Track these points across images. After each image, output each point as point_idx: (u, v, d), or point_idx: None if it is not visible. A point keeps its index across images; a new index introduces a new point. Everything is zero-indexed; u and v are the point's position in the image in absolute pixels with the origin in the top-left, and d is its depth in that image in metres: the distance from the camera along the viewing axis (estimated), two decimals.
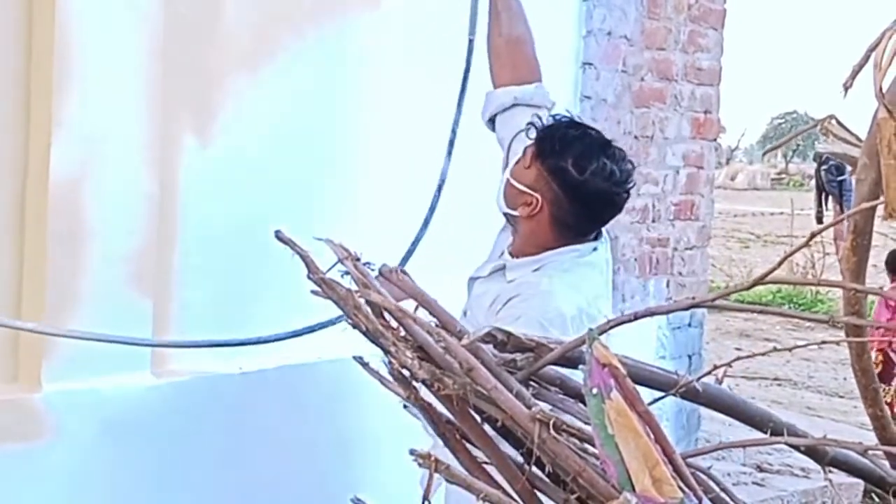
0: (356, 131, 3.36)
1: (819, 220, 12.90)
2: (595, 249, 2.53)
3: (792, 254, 1.59)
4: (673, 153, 4.67)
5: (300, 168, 3.20)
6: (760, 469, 5.36)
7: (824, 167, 12.75)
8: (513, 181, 2.52)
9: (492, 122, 2.81)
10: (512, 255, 2.56)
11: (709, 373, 1.76)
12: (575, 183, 2.43)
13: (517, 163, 2.54)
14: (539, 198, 2.46)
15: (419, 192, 3.54)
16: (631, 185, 2.51)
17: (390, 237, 2.90)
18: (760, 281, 1.53)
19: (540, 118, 2.57)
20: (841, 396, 7.98)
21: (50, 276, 2.65)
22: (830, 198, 12.85)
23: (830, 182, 12.50)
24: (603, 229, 2.58)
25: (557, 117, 2.58)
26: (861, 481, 2.01)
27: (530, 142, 2.52)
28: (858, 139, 2.28)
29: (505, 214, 2.58)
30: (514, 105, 2.75)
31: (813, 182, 17.24)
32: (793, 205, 14.92)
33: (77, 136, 2.66)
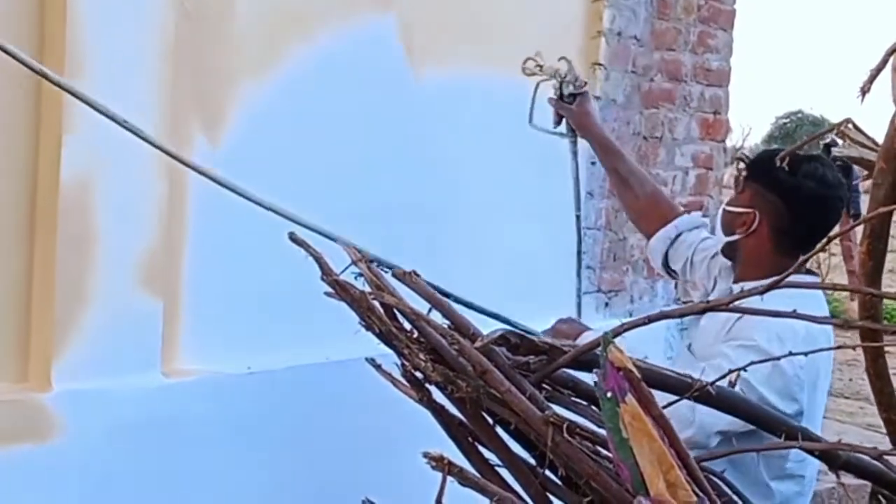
0: (365, 132, 3.35)
1: None
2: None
3: (809, 257, 1.59)
4: (682, 154, 4.66)
5: (309, 169, 3.20)
6: None
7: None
8: (728, 207, 2.65)
9: (665, 266, 2.98)
10: (736, 283, 2.65)
11: (723, 377, 1.76)
12: (789, 186, 2.52)
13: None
14: (755, 213, 2.56)
15: (417, 191, 3.55)
16: (843, 191, 2.60)
17: (398, 242, 2.90)
18: (776, 285, 1.52)
19: (744, 154, 2.77)
20: (847, 397, 7.95)
21: (59, 277, 2.64)
22: None
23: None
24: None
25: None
26: (868, 483, 2.02)
27: (738, 173, 2.66)
28: (875, 143, 2.29)
29: (724, 251, 2.69)
30: (677, 236, 2.93)
31: None
32: None
33: (87, 138, 2.65)
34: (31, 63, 1.67)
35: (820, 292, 2.62)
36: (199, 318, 2.97)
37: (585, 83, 3.03)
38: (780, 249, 2.54)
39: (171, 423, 2.84)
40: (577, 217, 3.16)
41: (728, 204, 2.66)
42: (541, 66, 3.03)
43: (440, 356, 1.77)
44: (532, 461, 1.79)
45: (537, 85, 3.07)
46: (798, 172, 2.51)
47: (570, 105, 3.01)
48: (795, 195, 2.52)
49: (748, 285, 2.52)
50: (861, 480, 2.03)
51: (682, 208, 3.07)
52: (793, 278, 2.45)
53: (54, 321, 2.64)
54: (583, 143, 3.14)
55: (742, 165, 2.66)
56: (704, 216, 2.95)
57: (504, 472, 1.83)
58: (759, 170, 2.59)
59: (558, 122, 3.08)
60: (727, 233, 2.64)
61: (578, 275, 3.21)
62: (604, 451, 1.67)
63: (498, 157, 3.76)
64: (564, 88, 3.01)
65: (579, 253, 3.19)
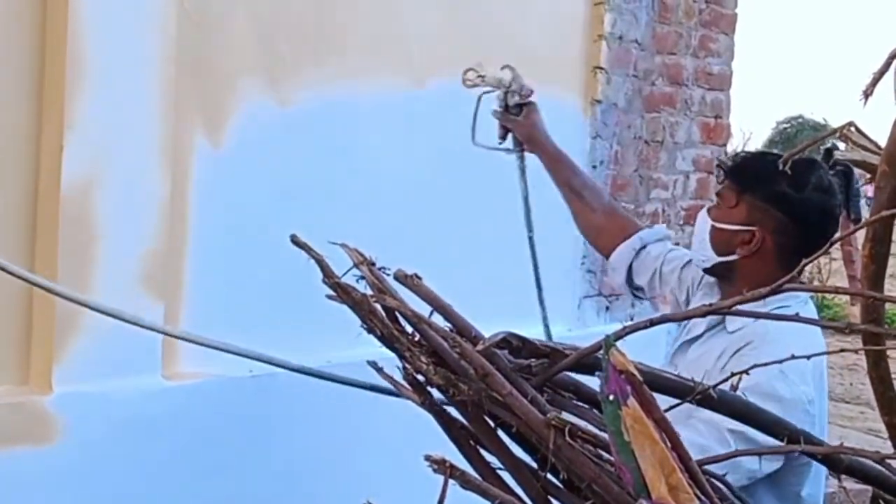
0: (367, 134, 3.36)
1: None
2: (807, 302, 2.46)
3: (811, 260, 1.58)
4: (683, 158, 4.66)
5: (311, 171, 3.21)
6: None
7: (831, 172, 12.67)
8: (722, 225, 2.42)
9: (628, 283, 2.77)
10: None
11: (725, 381, 1.75)
12: (796, 202, 2.36)
13: (714, 208, 2.48)
14: (757, 231, 2.37)
15: (419, 194, 3.55)
16: (840, 195, 2.47)
17: (398, 242, 2.90)
18: (779, 288, 1.52)
19: (723, 160, 2.54)
20: (847, 402, 7.96)
21: (61, 278, 2.64)
22: None
23: (838, 187, 12.45)
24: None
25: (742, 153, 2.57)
26: (869, 489, 2.01)
27: (720, 185, 2.48)
28: (878, 146, 2.28)
29: (712, 269, 2.48)
30: (642, 247, 2.73)
31: None
32: None
33: (89, 139, 2.66)
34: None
35: (814, 309, 2.49)
36: (200, 320, 2.97)
37: (532, 91, 2.77)
38: (783, 265, 2.34)
39: (172, 425, 2.84)
40: (530, 238, 2.88)
41: (718, 220, 2.43)
42: (482, 77, 2.77)
43: (442, 359, 1.76)
44: (534, 464, 1.79)
45: (479, 97, 2.81)
46: (806, 186, 2.37)
47: (517, 116, 2.77)
48: (803, 211, 2.37)
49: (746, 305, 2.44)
50: (862, 485, 2.03)
51: (640, 222, 2.84)
52: (796, 295, 2.36)
53: (55, 323, 2.64)
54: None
55: (721, 174, 2.48)
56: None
57: (506, 476, 1.83)
58: (755, 182, 2.40)
59: (504, 137, 2.83)
60: (723, 252, 2.42)
61: (541, 302, 2.89)
62: (606, 455, 1.66)
63: (498, 161, 3.76)
64: (510, 99, 2.76)
65: (538, 279, 2.88)
